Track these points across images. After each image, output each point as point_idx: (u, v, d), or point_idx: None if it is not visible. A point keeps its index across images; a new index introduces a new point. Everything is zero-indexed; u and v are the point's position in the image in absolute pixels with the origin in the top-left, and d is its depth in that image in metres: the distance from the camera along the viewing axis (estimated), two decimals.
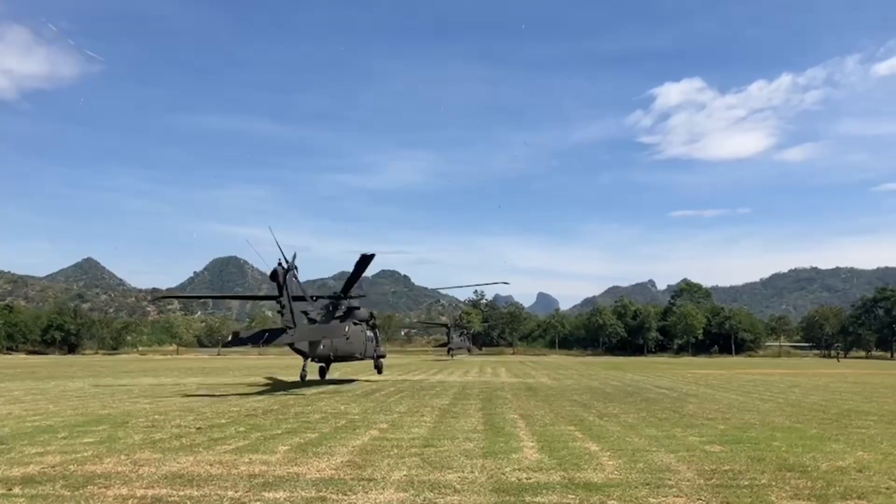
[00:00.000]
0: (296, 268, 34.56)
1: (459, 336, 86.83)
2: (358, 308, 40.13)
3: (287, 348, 36.07)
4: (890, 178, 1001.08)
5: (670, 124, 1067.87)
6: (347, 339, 38.52)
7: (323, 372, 43.90)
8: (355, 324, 39.13)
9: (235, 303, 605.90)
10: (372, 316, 41.37)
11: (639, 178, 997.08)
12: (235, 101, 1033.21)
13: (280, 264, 33.46)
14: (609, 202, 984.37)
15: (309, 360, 37.91)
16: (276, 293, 34.34)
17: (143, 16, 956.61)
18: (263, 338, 35.74)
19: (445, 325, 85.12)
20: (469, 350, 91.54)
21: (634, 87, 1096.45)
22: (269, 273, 33.89)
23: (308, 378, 40.80)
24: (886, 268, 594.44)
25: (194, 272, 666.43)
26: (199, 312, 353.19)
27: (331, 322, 37.90)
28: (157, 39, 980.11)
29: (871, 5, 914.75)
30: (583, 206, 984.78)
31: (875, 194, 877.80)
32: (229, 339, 36.20)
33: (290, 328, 33.98)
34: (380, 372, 46.41)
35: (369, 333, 42.85)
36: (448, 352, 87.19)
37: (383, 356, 46.51)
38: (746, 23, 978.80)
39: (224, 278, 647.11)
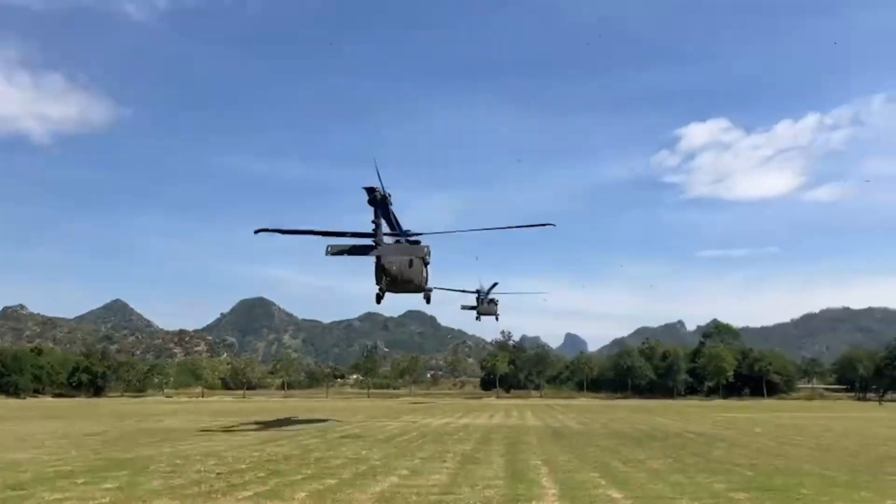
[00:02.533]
0: (390, 196, 36.49)
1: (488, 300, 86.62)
2: (419, 242, 41.92)
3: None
4: None
5: (696, 164, 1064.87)
6: (412, 265, 40.89)
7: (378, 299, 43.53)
8: (418, 257, 41.51)
9: (262, 344, 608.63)
10: (428, 252, 42.02)
11: (665, 217, 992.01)
12: (263, 142, 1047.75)
13: (379, 190, 35.53)
14: (636, 241, 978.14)
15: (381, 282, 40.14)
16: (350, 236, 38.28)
17: (173, 59, 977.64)
18: (352, 250, 38.53)
19: (477, 291, 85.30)
20: (496, 316, 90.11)
21: (660, 127, 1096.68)
22: (367, 196, 35.78)
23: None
24: None
25: (221, 313, 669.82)
26: (225, 354, 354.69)
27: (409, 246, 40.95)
28: (186, 83, 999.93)
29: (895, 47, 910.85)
30: (610, 245, 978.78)
31: None
32: (327, 251, 37.99)
33: (378, 245, 37.46)
34: (428, 302, 49.65)
35: (426, 269, 44.85)
36: (477, 317, 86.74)
37: (431, 290, 49.08)
38: (772, 63, 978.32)
39: (251, 319, 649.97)
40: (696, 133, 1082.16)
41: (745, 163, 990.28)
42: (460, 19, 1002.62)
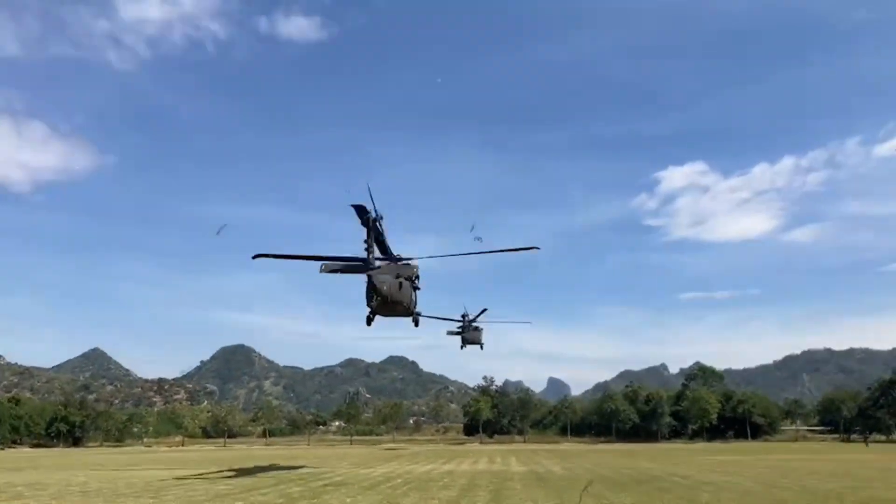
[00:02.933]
0: (381, 218, 37.70)
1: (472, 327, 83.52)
2: (408, 264, 42.68)
3: None
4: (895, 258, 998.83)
5: (675, 207, 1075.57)
6: (401, 287, 41.09)
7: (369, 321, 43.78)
8: (408, 278, 42.31)
9: (242, 392, 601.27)
10: (417, 274, 43.54)
11: (646, 260, 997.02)
12: (239, 190, 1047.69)
13: (371, 212, 36.76)
14: (618, 284, 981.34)
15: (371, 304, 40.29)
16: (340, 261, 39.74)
17: (155, 108, 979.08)
18: (345, 269, 39.67)
19: (462, 317, 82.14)
20: (481, 344, 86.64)
21: (639, 171, 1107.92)
22: (360, 214, 36.52)
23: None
24: None
25: (201, 361, 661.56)
26: (205, 402, 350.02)
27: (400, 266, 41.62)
28: (168, 131, 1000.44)
29: (870, 89, 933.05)
30: (592, 289, 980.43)
31: (883, 274, 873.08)
32: (321, 269, 39.31)
33: (371, 266, 38.33)
34: (416, 325, 49.13)
35: (415, 294, 45.22)
36: (462, 345, 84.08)
37: (420, 314, 48.97)
38: (747, 107, 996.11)
39: (231, 366, 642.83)
40: (675, 176, 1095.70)
41: (723, 205, 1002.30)
42: (437, 66, 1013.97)
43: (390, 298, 40.41)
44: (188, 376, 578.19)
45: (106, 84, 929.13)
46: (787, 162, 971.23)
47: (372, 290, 39.21)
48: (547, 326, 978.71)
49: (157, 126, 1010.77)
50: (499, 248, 43.47)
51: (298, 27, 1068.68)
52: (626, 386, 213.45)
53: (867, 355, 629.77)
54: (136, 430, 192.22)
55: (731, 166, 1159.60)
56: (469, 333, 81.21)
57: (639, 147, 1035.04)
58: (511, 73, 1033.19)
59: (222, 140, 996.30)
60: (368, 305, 40.26)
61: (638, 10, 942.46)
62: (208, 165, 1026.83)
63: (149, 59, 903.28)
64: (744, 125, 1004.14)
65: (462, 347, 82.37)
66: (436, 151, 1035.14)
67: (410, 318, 47.71)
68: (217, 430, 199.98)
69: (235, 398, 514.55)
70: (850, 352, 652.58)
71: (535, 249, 42.75)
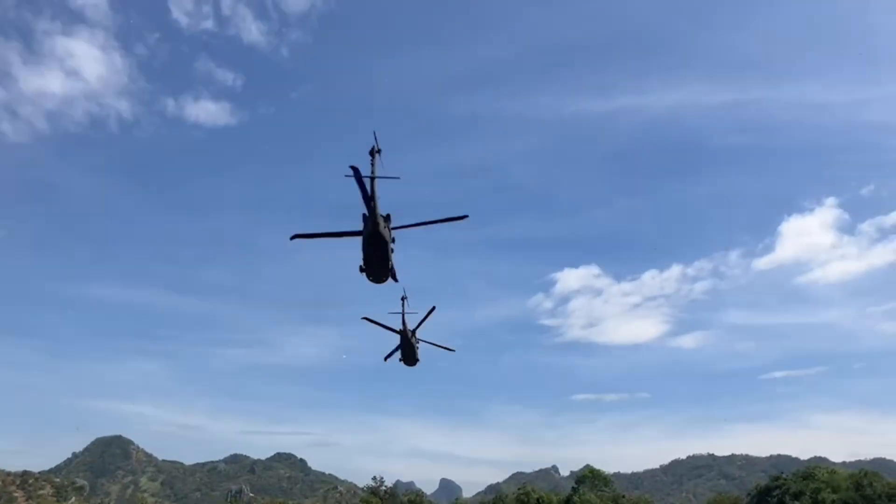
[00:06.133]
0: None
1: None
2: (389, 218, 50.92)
3: None
4: (775, 367, 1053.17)
5: (570, 308, 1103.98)
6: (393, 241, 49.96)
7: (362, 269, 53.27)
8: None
9: (116, 487, 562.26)
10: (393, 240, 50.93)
11: (541, 360, 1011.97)
12: (131, 273, 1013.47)
13: (372, 155, 47.43)
14: (513, 383, 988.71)
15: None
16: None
17: (49, 183, 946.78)
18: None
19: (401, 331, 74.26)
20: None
21: (536, 271, 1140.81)
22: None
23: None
24: (780, 455, 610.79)
25: (73, 453, 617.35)
26: (73, 498, 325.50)
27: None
28: (60, 207, 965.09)
29: (750, 207, 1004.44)
30: (487, 388, 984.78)
31: (763, 382, 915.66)
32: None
33: (379, 216, 48.23)
34: (396, 280, 54.03)
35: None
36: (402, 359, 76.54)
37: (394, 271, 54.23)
38: (639, 216, 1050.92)
39: (106, 460, 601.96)
40: (570, 278, 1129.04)
41: (615, 308, 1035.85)
42: (340, 162, 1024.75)
43: (385, 248, 49.57)
44: (57, 469, 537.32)
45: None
46: (676, 270, 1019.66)
47: (375, 234, 48.81)
48: (441, 425, 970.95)
49: (49, 201, 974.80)
50: (431, 220, 50.77)
51: (207, 111, 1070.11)
52: (518, 489, 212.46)
53: (747, 461, 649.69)
54: None
55: (623, 271, 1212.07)
56: (412, 340, 73.73)
57: (536, 248, 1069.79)
58: (413, 174, 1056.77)
59: (117, 220, 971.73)
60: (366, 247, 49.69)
61: (539, 121, 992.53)
62: (100, 245, 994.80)
63: (47, 132, 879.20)
64: (635, 233, 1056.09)
65: (407, 362, 75.26)
66: (336, 243, 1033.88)
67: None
68: None
69: (107, 494, 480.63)
70: (732, 458, 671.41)
71: (465, 217, 49.92)
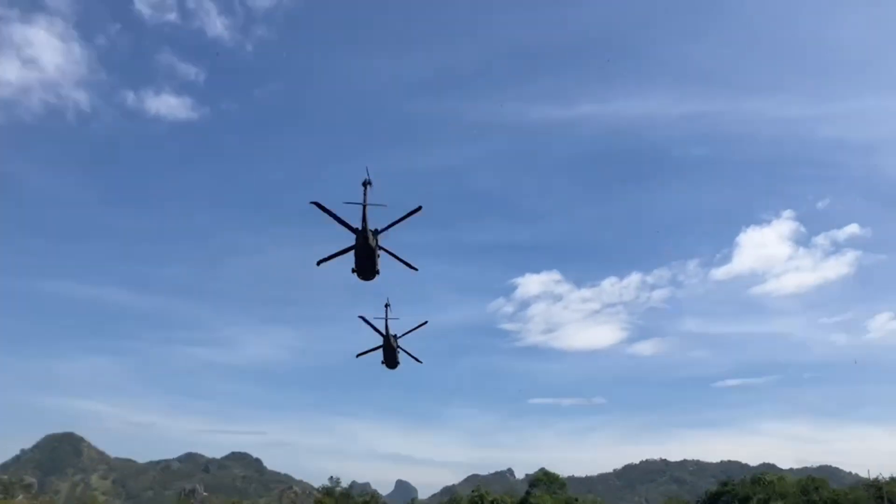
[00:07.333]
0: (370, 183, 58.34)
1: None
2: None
3: None
4: (728, 375, 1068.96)
5: (530, 313, 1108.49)
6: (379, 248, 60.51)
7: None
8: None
9: (65, 485, 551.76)
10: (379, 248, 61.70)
11: (500, 363, 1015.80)
12: (86, 268, 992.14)
13: (365, 186, 58.09)
14: (470, 386, 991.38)
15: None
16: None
17: (4, 175, 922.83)
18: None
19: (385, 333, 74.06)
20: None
21: (497, 276, 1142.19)
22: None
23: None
24: (730, 461, 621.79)
25: (21, 449, 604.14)
26: (21, 496, 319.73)
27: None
28: (12, 199, 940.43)
29: (708, 217, 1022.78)
30: (445, 390, 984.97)
31: (716, 389, 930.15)
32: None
33: (368, 232, 58.78)
34: (377, 273, 63.65)
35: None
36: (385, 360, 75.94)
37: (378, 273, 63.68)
38: (597, 224, 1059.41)
39: (56, 458, 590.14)
40: (531, 283, 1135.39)
41: (575, 314, 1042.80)
42: (302, 163, 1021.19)
43: (374, 254, 60.29)
44: (4, 466, 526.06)
45: None
46: (635, 277, 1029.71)
47: (364, 245, 59.50)
48: (398, 427, 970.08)
49: (2, 193, 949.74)
50: (394, 221, 59.25)
51: (168, 105, 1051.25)
52: (473, 491, 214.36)
53: (698, 467, 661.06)
54: None
55: (583, 278, 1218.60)
56: (394, 343, 73.86)
57: (498, 253, 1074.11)
58: (376, 175, 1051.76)
59: (73, 214, 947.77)
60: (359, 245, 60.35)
61: (503, 127, 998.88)
62: (53, 239, 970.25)
63: (1, 122, 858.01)
64: (595, 240, 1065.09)
65: (390, 364, 75.70)
66: (300, 243, 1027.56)
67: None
68: None
69: (57, 492, 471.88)
70: (683, 463, 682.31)
71: (419, 210, 58.51)
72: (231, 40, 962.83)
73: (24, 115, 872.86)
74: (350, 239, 60.48)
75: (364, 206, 58.33)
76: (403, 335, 71.94)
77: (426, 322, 73.31)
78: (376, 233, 60.46)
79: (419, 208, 59.13)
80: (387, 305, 68.92)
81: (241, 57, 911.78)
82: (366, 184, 57.80)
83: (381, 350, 73.92)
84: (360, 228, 59.17)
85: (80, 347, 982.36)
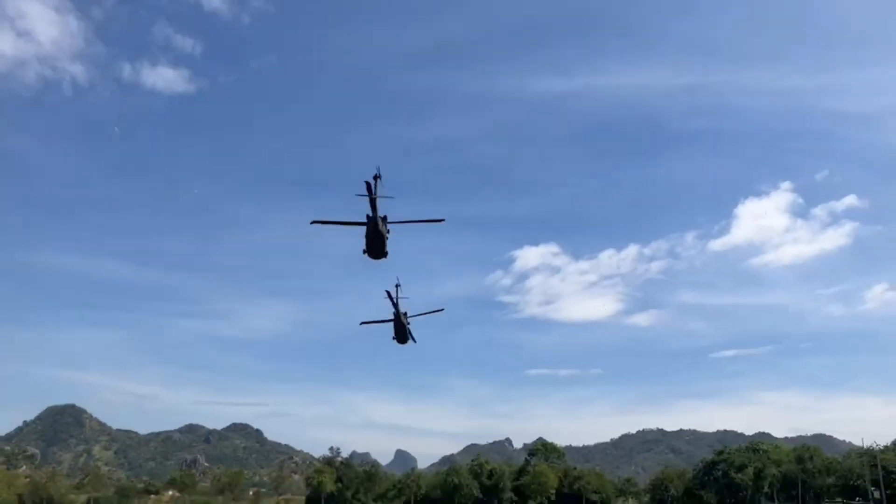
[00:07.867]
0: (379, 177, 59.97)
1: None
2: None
3: None
4: (725, 346, 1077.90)
5: (528, 285, 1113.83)
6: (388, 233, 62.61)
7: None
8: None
9: (68, 456, 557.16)
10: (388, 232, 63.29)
11: (498, 335, 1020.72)
12: (85, 241, 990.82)
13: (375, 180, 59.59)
14: (469, 358, 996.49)
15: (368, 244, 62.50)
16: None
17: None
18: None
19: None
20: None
21: (496, 248, 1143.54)
22: None
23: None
24: (726, 430, 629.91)
25: (24, 421, 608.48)
26: (24, 467, 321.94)
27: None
28: (8, 172, 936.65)
29: (707, 190, 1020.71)
30: (444, 362, 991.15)
31: (713, 360, 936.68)
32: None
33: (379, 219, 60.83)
34: (386, 256, 64.91)
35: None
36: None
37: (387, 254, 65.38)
38: (597, 196, 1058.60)
39: (59, 429, 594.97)
40: (529, 256, 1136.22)
41: (572, 287, 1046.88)
42: (301, 135, 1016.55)
43: (383, 238, 62.18)
44: (7, 437, 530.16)
45: None
46: (632, 249, 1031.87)
47: (374, 232, 61.38)
48: (397, 398, 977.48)
49: (0, 166, 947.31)
50: (411, 220, 62.76)
51: (165, 78, 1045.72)
52: (473, 460, 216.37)
53: (695, 437, 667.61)
54: None
55: (581, 250, 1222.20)
56: (404, 320, 71.82)
57: (497, 226, 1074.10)
58: (374, 149, 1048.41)
59: (71, 187, 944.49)
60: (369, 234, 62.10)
61: (501, 99, 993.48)
62: (53, 213, 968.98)
63: None
64: (594, 212, 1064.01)
65: (400, 340, 73.28)
66: (300, 215, 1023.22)
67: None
68: (36, 499, 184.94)
69: (60, 463, 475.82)
70: (680, 433, 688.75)
71: (441, 221, 62.62)
72: (228, 12, 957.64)
73: (20, 89, 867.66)
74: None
75: (374, 199, 61.88)
76: (415, 316, 71.99)
77: (442, 309, 74.44)
78: (385, 220, 64.21)
79: (442, 220, 64.54)
80: (397, 285, 70.74)
81: (237, 29, 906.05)
82: (376, 178, 61.50)
83: (389, 324, 73.54)
84: (370, 216, 62.82)
85: (80, 319, 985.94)
